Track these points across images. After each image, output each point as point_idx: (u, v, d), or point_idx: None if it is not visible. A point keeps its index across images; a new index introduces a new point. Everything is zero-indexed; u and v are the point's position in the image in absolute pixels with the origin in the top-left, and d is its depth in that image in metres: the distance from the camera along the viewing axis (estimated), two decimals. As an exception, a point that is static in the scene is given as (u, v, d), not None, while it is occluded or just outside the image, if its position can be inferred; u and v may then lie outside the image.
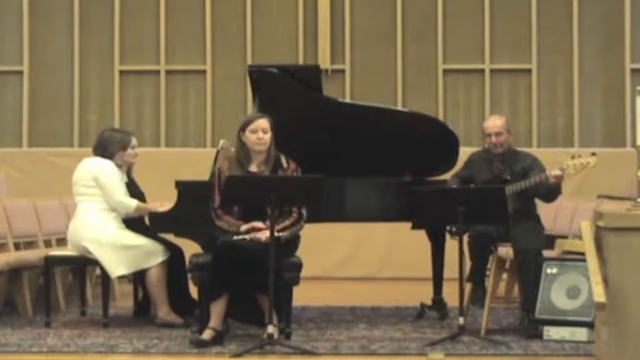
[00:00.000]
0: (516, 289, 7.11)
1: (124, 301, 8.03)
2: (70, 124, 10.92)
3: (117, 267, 6.81)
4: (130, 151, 7.08)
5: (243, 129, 6.29)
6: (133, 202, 6.89)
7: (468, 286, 6.55)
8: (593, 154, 6.61)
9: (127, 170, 7.13)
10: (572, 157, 6.58)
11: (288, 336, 6.19)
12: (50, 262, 7.02)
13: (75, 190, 6.99)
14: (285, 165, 6.31)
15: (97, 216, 6.87)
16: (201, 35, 10.95)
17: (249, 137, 6.25)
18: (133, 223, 6.98)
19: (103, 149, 7.01)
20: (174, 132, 11.01)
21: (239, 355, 5.76)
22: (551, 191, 6.61)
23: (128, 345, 6.10)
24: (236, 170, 6.23)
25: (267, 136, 6.25)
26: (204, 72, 10.96)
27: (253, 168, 6.31)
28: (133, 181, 7.19)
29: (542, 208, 6.97)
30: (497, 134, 6.74)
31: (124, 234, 6.88)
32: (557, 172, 6.48)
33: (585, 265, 5.20)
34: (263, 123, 6.26)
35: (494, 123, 6.78)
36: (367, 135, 7.15)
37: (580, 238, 5.50)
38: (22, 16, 10.91)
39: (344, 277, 9.91)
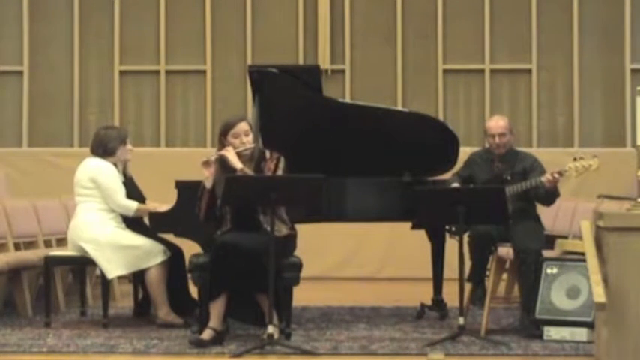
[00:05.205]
0: (516, 289, 7.11)
1: (124, 301, 8.03)
2: (70, 124, 10.92)
3: (115, 267, 6.80)
4: (128, 146, 7.08)
5: (224, 134, 6.27)
6: (133, 205, 6.88)
7: (468, 286, 6.55)
8: (595, 156, 6.59)
9: (123, 168, 7.12)
10: (574, 160, 6.57)
11: (288, 336, 6.19)
12: (50, 262, 7.02)
13: (75, 190, 6.99)
14: (267, 156, 6.31)
15: (96, 216, 6.87)
16: (201, 35, 10.95)
17: (233, 142, 6.22)
18: (132, 223, 6.98)
19: (104, 148, 6.99)
20: (174, 132, 11.01)
21: (239, 355, 5.76)
22: (548, 195, 6.60)
23: (128, 345, 6.10)
24: (222, 173, 6.18)
25: (250, 139, 6.25)
26: (204, 72, 10.96)
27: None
28: (130, 180, 7.17)
29: (543, 208, 6.97)
30: (501, 135, 6.73)
31: (123, 234, 6.88)
32: (550, 177, 6.46)
33: (585, 265, 5.21)
34: (244, 126, 6.25)
35: (498, 124, 6.77)
36: (367, 135, 7.15)
37: (580, 238, 5.50)
38: (22, 16, 10.91)
39: (344, 277, 9.90)
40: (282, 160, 6.26)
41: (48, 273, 7.05)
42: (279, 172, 6.19)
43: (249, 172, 6.16)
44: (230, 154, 6.16)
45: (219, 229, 6.24)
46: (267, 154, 6.34)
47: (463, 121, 10.86)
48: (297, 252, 6.35)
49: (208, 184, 6.16)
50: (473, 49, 10.89)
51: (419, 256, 7.82)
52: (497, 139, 6.73)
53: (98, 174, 6.89)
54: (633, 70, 10.74)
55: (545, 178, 6.49)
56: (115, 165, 7.00)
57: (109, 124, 10.29)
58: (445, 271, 7.26)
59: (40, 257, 7.17)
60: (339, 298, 8.24)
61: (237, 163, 6.14)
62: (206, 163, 6.14)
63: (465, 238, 6.42)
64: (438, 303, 7.22)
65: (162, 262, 6.84)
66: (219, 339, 6.03)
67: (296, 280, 6.25)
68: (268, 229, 6.00)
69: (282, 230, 6.18)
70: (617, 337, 4.96)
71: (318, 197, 6.10)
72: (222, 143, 6.28)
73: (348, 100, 10.27)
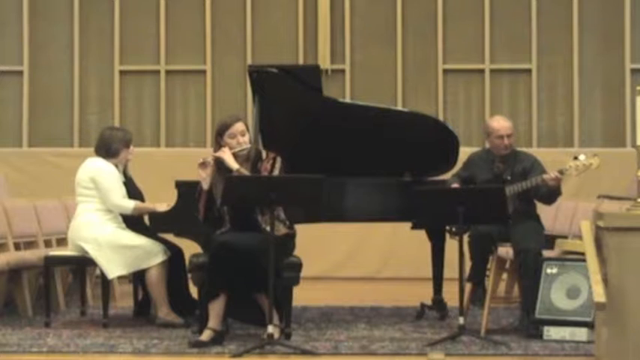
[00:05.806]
0: (516, 289, 7.11)
1: (124, 301, 8.03)
2: (70, 124, 10.92)
3: (115, 267, 6.80)
4: (131, 149, 7.10)
5: (220, 134, 6.26)
6: (131, 204, 6.88)
7: (468, 286, 6.55)
8: (596, 155, 6.58)
9: (124, 168, 7.13)
10: (575, 158, 6.56)
11: (288, 336, 6.19)
12: (50, 262, 7.02)
13: (76, 190, 7.00)
14: (264, 156, 6.32)
15: (96, 216, 6.87)
16: (201, 35, 10.95)
17: (229, 143, 6.21)
18: (133, 222, 6.98)
19: (107, 148, 7.00)
20: (174, 132, 11.01)
21: (239, 355, 5.76)
22: (550, 193, 6.59)
23: (128, 345, 6.10)
24: (218, 174, 6.20)
25: (246, 139, 6.24)
26: (204, 72, 10.96)
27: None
28: (130, 179, 7.19)
29: (542, 208, 6.97)
30: (509, 136, 6.70)
31: (123, 234, 6.88)
32: (553, 175, 6.45)
33: (585, 265, 5.21)
34: (240, 126, 6.24)
35: (505, 124, 6.71)
36: (367, 135, 7.15)
37: (580, 238, 5.50)
38: (22, 16, 10.91)
39: (344, 277, 9.91)
40: (278, 160, 6.26)
41: (48, 273, 7.05)
42: (276, 172, 6.19)
43: (245, 172, 6.16)
44: (226, 155, 6.16)
45: (218, 229, 6.24)
46: (264, 153, 6.35)
47: (463, 121, 10.86)
48: (297, 252, 6.35)
49: (205, 185, 6.16)
50: (473, 49, 10.89)
51: (419, 256, 7.82)
52: (506, 140, 6.67)
53: (98, 174, 6.89)
54: (633, 70, 10.74)
55: (547, 176, 6.48)
56: (116, 165, 7.01)
57: (109, 124, 10.31)
58: (445, 271, 7.26)
59: (40, 257, 7.17)
60: (339, 298, 8.25)
61: (233, 164, 6.13)
62: (203, 165, 6.14)
63: (465, 238, 6.42)
64: (438, 303, 7.22)
65: (162, 262, 6.84)
66: (218, 339, 6.03)
67: (296, 280, 6.25)
68: (267, 228, 6.00)
69: (280, 230, 6.18)
70: (617, 337, 4.96)
71: (317, 197, 6.09)
72: (218, 143, 6.28)
73: (348, 100, 10.27)
